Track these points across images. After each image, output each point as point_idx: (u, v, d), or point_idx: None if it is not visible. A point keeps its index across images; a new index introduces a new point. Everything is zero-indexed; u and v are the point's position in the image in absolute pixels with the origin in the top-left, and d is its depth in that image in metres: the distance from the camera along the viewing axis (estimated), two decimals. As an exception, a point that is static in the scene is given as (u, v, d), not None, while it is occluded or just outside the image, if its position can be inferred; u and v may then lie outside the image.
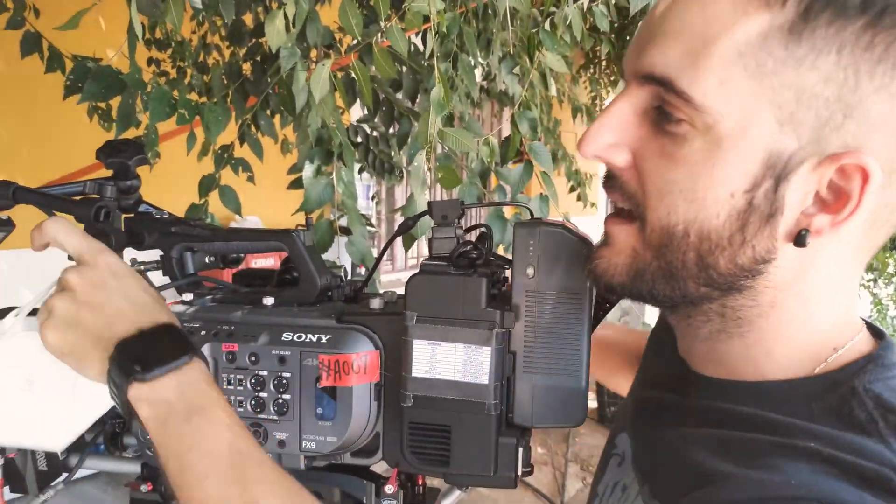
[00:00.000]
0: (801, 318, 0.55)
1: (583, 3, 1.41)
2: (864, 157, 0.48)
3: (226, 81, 1.65)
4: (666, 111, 0.52)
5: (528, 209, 0.75)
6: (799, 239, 0.50)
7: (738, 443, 0.52)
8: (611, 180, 0.57)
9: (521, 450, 0.61)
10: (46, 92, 3.51)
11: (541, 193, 1.30)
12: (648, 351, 0.77)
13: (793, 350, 0.56)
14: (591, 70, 4.61)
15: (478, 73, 2.04)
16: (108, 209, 0.73)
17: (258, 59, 1.63)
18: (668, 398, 0.64)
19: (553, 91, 1.44)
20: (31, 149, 3.27)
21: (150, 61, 2.21)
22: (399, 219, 4.86)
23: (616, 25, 3.40)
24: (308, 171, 1.19)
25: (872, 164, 0.48)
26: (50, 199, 0.74)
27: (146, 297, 0.61)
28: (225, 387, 0.65)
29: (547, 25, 1.37)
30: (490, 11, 1.53)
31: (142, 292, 0.61)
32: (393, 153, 1.92)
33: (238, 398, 0.64)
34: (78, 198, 0.75)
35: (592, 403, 4.86)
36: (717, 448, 0.52)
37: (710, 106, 0.49)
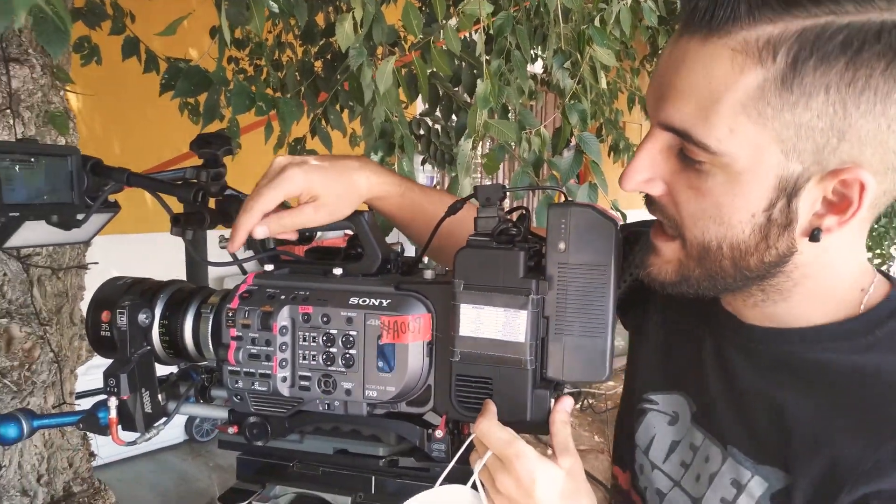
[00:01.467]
0: (831, 278, 0.65)
1: None
2: (858, 171, 0.56)
3: (298, 78, 1.78)
4: (687, 155, 0.60)
5: (563, 193, 0.83)
6: (813, 236, 0.59)
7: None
8: (652, 204, 0.67)
9: (552, 400, 0.70)
10: (134, 90, 3.76)
11: (590, 182, 1.37)
12: (667, 309, 0.84)
13: (831, 300, 0.66)
14: (656, 61, 4.58)
15: (538, 65, 2.11)
16: (205, 192, 0.85)
17: (328, 57, 1.75)
18: (727, 353, 0.73)
19: (603, 84, 1.50)
20: (122, 142, 3.52)
21: (229, 60, 2.38)
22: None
23: (678, 13, 3.39)
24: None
25: (866, 176, 0.56)
26: (157, 183, 0.87)
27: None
28: (300, 343, 0.75)
29: (597, 22, 1.44)
30: (543, 9, 1.60)
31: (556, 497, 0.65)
32: (453, 145, 2.02)
33: (311, 353, 0.74)
34: (179, 182, 0.88)
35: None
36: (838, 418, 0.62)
37: (725, 150, 0.57)
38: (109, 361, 0.90)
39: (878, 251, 5.56)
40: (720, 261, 0.62)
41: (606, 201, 1.33)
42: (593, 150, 1.37)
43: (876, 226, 5.47)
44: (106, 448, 1.93)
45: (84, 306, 1.64)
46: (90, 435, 1.71)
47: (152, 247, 3.72)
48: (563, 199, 0.79)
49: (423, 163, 2.09)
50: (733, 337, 0.73)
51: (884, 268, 5.51)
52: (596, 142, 1.37)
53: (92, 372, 1.77)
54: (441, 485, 0.69)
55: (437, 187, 4.70)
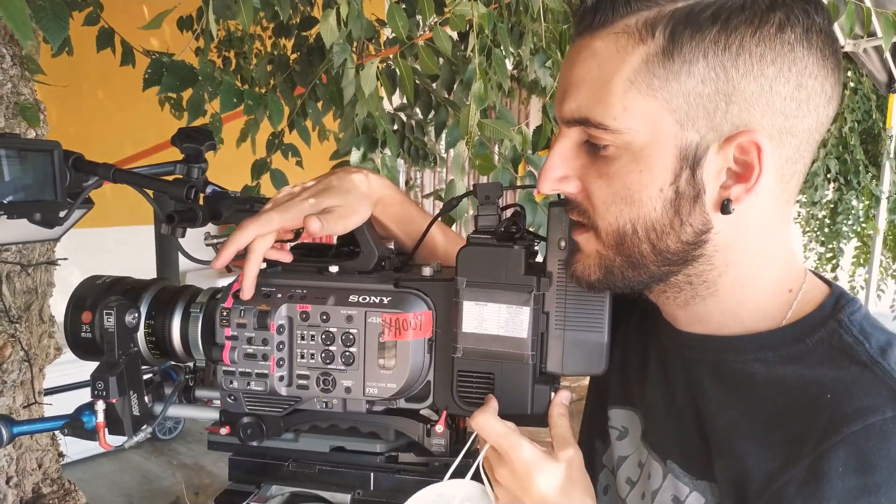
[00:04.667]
0: (754, 269, 0.66)
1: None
2: (752, 133, 0.59)
3: (269, 69, 1.76)
4: (593, 142, 0.63)
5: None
6: (724, 208, 0.61)
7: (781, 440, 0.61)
8: (568, 203, 0.68)
9: (552, 394, 0.71)
10: (95, 82, 3.64)
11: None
12: (625, 321, 0.84)
13: (759, 297, 0.67)
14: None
15: (508, 62, 2.12)
16: (197, 189, 0.84)
17: (304, 50, 1.73)
18: (668, 365, 0.74)
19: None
20: (80, 136, 3.43)
21: (197, 51, 2.33)
22: (428, 202, 4.96)
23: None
24: (355, 157, 1.30)
25: (759, 137, 0.58)
26: (144, 180, 0.85)
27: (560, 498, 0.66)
28: (298, 342, 0.74)
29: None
30: (521, 7, 1.61)
31: (557, 493, 0.66)
32: (427, 140, 2.02)
33: (310, 351, 0.74)
34: (170, 179, 0.86)
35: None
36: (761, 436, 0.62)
37: (622, 127, 0.60)
38: (73, 359, 0.88)
39: (829, 246, 5.74)
40: (638, 245, 0.63)
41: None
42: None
43: (829, 221, 5.65)
44: (65, 447, 1.90)
45: (53, 303, 1.60)
46: (58, 435, 1.67)
47: (107, 241, 3.64)
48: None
49: (396, 157, 2.09)
50: (671, 346, 0.74)
51: (834, 261, 5.70)
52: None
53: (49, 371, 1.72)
54: (448, 478, 0.69)
55: (411, 184, 4.69)
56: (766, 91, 0.58)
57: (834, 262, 5.73)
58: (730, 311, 0.67)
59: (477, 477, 0.70)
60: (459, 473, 0.70)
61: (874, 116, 5.31)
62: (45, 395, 1.64)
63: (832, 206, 5.63)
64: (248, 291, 0.75)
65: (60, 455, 1.66)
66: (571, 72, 0.63)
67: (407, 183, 4.51)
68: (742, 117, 0.59)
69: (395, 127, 1.98)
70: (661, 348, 0.76)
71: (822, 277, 0.70)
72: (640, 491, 0.75)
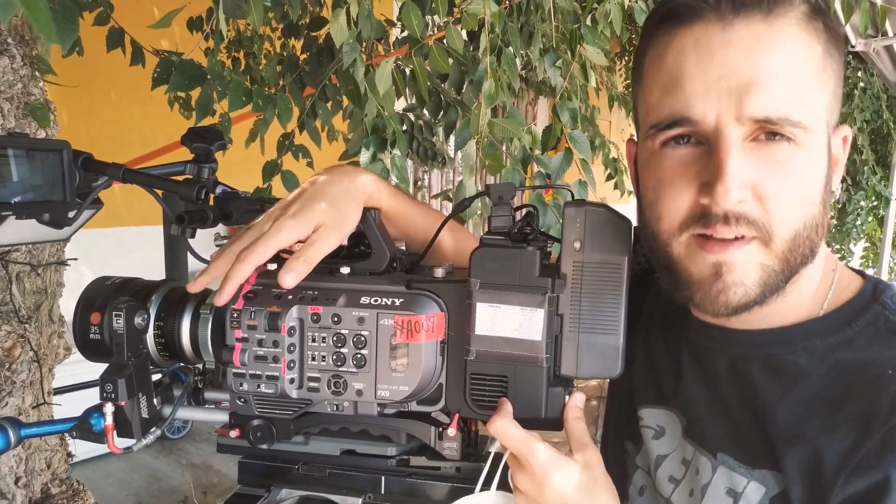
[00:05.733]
0: (820, 259, 0.67)
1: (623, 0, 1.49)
2: (846, 128, 0.63)
3: (278, 70, 1.75)
4: (768, 139, 0.59)
5: (571, 191, 0.84)
6: (829, 198, 0.63)
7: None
8: (729, 219, 0.60)
9: (566, 397, 0.70)
10: (104, 83, 3.65)
11: (580, 180, 1.38)
12: (649, 321, 0.84)
13: (814, 288, 0.68)
14: (627, 58, 4.64)
15: (517, 63, 2.11)
16: (207, 189, 0.83)
17: (314, 51, 1.72)
18: (706, 361, 0.74)
19: (593, 82, 1.51)
20: (90, 136, 3.43)
21: (207, 52, 2.33)
22: (437, 203, 4.95)
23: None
24: (364, 157, 1.29)
25: (848, 131, 0.63)
26: (154, 180, 0.85)
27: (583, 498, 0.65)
28: (310, 344, 0.73)
29: (588, 21, 1.45)
30: (531, 6, 1.61)
31: (575, 490, 0.65)
32: (436, 140, 2.01)
33: (321, 353, 0.73)
34: (181, 179, 0.86)
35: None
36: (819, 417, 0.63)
37: (814, 126, 0.59)
38: (82, 359, 0.88)
39: (838, 246, 5.72)
40: (802, 247, 0.61)
41: (595, 199, 1.34)
42: (583, 149, 1.38)
43: (837, 221, 5.63)
44: (74, 447, 1.92)
45: (63, 303, 1.60)
46: (67, 435, 1.67)
47: (116, 242, 3.65)
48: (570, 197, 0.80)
49: (405, 157, 2.08)
50: (710, 344, 0.74)
51: (843, 262, 5.68)
52: (586, 140, 1.39)
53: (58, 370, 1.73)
54: (479, 488, 0.69)
55: (419, 183, 4.69)
56: (840, 91, 0.62)
57: (843, 262, 5.69)
58: (788, 305, 0.68)
59: (504, 485, 0.69)
60: (467, 479, 0.69)
61: (884, 117, 5.28)
62: (55, 394, 1.64)
63: (840, 206, 5.60)
64: (226, 296, 0.73)
65: (69, 455, 1.66)
66: (759, 62, 0.57)
67: (416, 183, 4.50)
68: (838, 115, 0.63)
69: (404, 127, 1.97)
70: (695, 346, 0.76)
71: (853, 269, 0.72)
72: (686, 488, 0.74)
